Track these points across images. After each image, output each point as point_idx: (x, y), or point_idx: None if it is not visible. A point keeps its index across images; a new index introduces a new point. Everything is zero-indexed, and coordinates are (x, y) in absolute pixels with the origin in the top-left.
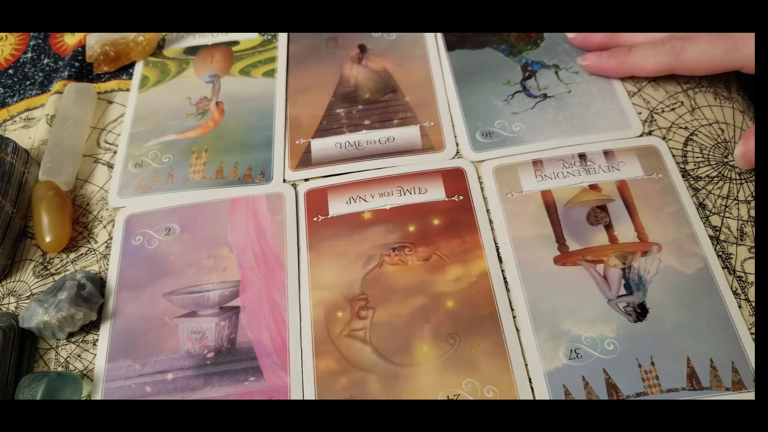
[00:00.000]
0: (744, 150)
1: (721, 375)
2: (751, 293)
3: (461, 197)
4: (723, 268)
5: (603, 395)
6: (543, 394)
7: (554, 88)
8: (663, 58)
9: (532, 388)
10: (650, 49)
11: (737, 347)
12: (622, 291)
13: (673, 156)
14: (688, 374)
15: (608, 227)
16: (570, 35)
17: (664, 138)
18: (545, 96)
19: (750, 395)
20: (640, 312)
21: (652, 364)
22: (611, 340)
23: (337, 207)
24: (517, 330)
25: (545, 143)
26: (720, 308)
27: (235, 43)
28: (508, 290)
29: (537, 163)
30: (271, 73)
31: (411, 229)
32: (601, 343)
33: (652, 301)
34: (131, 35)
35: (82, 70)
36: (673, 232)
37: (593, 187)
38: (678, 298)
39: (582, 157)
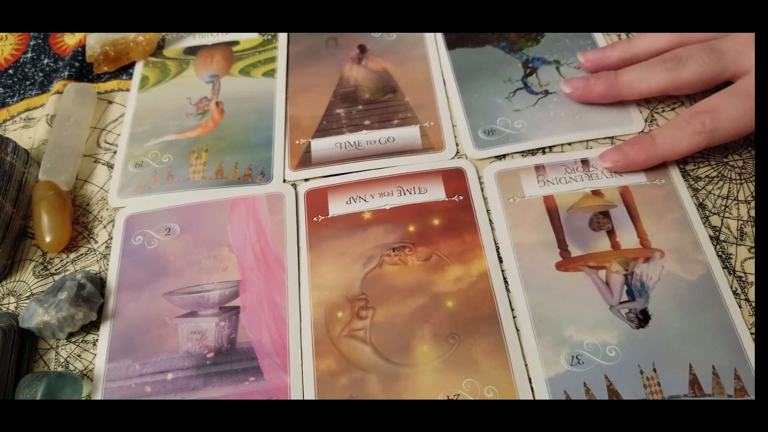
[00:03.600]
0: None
1: (723, 382)
2: (751, 293)
3: (461, 197)
4: (723, 268)
5: None
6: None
7: (555, 84)
8: (660, 78)
9: (532, 388)
10: (644, 72)
11: (740, 354)
12: (625, 297)
13: None
14: (690, 381)
15: (611, 233)
16: (581, 59)
17: None
18: (547, 92)
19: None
20: (643, 318)
21: (654, 370)
22: (613, 347)
23: (337, 207)
24: (518, 330)
25: (547, 140)
26: (723, 315)
27: (235, 43)
28: (508, 290)
29: (539, 168)
30: (271, 73)
31: (411, 229)
32: (602, 350)
33: (655, 308)
34: (131, 35)
35: (82, 70)
36: (676, 239)
37: (596, 193)
38: (680, 304)
39: (584, 162)
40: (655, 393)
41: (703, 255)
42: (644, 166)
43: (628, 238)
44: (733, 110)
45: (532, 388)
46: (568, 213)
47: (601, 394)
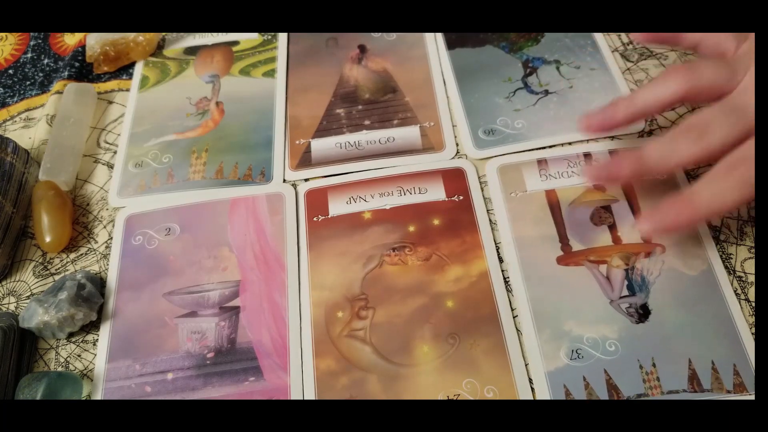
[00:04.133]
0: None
1: (723, 377)
2: (751, 293)
3: (461, 197)
4: (723, 268)
5: (603, 396)
6: (544, 393)
7: (555, 84)
8: (691, 150)
9: (532, 388)
10: (669, 146)
11: (739, 350)
12: (625, 292)
13: None
14: (689, 376)
15: (612, 228)
16: (583, 126)
17: None
18: (547, 92)
19: (751, 398)
20: (643, 313)
21: (654, 365)
22: (613, 341)
23: (337, 207)
24: (517, 330)
25: (548, 139)
26: (722, 310)
27: (235, 43)
28: (508, 290)
29: (541, 163)
30: (271, 73)
31: (411, 229)
32: (602, 344)
33: (655, 303)
34: (131, 35)
35: (82, 70)
36: (677, 234)
37: (598, 188)
38: (680, 299)
39: (587, 156)
40: (654, 388)
41: (703, 250)
42: (686, 227)
43: (629, 233)
44: (713, 68)
45: (532, 387)
46: (569, 207)
47: (601, 389)
